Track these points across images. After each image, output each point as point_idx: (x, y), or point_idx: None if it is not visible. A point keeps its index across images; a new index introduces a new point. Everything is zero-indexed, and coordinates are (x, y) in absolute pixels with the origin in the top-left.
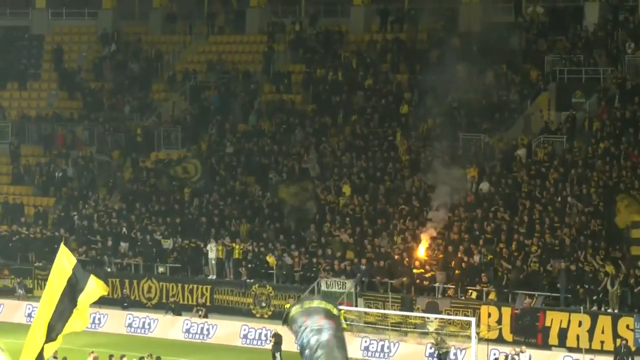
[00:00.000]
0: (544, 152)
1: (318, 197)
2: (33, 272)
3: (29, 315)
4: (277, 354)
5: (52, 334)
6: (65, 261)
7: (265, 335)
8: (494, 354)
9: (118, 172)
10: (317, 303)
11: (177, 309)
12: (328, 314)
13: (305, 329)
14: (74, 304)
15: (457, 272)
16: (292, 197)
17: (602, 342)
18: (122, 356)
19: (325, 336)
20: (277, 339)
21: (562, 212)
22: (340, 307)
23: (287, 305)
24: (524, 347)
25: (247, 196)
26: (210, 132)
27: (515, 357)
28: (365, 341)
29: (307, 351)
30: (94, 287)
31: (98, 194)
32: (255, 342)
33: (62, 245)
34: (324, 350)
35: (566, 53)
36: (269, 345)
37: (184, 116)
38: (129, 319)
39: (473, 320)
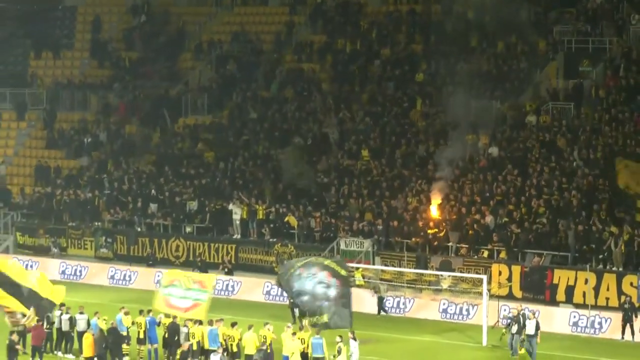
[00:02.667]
0: (553, 118)
1: (338, 160)
2: (67, 232)
3: (63, 272)
4: (296, 310)
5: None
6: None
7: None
8: (504, 310)
9: (148, 137)
10: (321, 260)
11: (204, 267)
12: (335, 274)
13: (301, 274)
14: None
15: (469, 232)
16: (312, 161)
17: (607, 299)
18: (149, 311)
19: (333, 292)
20: None
21: (570, 175)
22: (358, 265)
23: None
24: (530, 314)
25: (270, 160)
26: (235, 100)
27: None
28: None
29: (306, 297)
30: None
31: (129, 158)
32: (277, 298)
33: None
34: (331, 303)
35: (574, 24)
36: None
37: (210, 84)
38: (158, 276)
39: (484, 277)
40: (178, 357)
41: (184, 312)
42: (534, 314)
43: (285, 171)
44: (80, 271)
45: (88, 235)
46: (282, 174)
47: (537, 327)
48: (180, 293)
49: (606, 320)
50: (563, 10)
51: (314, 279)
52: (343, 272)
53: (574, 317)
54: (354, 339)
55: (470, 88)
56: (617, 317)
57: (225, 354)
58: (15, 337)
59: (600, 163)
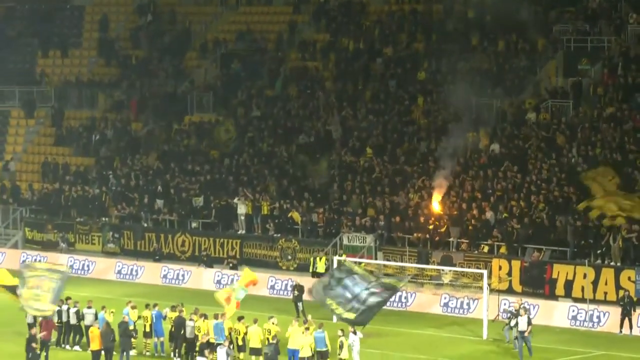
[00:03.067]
0: (552, 115)
1: (341, 157)
2: (74, 227)
3: (71, 267)
4: (299, 304)
5: None
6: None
7: (291, 286)
8: (504, 304)
9: (154, 135)
10: (383, 280)
11: (209, 262)
12: (388, 287)
13: (356, 280)
14: None
15: (470, 227)
16: (317, 158)
17: (605, 293)
18: (155, 305)
19: (373, 300)
20: (299, 290)
21: (569, 171)
22: (361, 260)
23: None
24: (522, 311)
25: (275, 157)
26: (239, 97)
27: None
28: None
29: (348, 293)
30: None
31: (135, 155)
32: (281, 292)
33: None
34: (365, 307)
35: (573, 23)
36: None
37: (215, 82)
38: (164, 270)
39: (485, 272)
40: (184, 350)
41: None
42: (525, 310)
43: (289, 168)
44: (88, 266)
45: (95, 231)
46: (286, 170)
47: (529, 323)
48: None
49: (604, 314)
50: (563, 9)
51: (365, 288)
52: (398, 285)
53: (573, 311)
54: (354, 332)
55: (471, 86)
56: (616, 311)
57: (230, 346)
58: (34, 331)
59: (598, 160)
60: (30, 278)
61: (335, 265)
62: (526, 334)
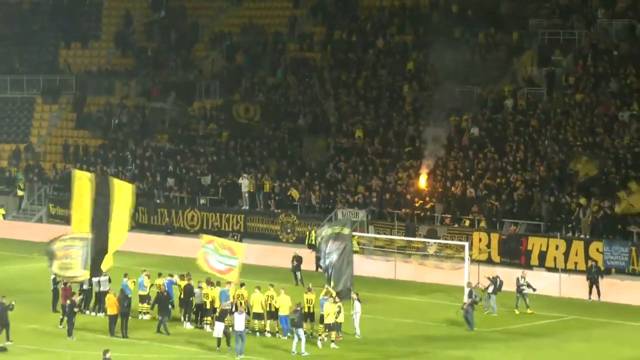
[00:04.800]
0: (528, 102)
1: (336, 140)
2: None
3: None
4: (298, 273)
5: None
6: (81, 180)
7: (290, 256)
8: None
9: (165, 118)
10: (330, 230)
11: (240, 237)
12: (337, 237)
13: (324, 253)
14: (107, 214)
15: (452, 203)
16: (314, 140)
17: (575, 263)
18: (171, 275)
19: (334, 257)
20: (297, 260)
21: (543, 153)
22: (354, 233)
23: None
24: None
25: (276, 139)
26: (244, 85)
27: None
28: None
29: (330, 269)
30: (121, 188)
31: (149, 136)
32: (281, 262)
33: (73, 171)
34: (333, 269)
35: (547, 18)
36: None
37: (221, 71)
38: (176, 243)
39: (466, 244)
40: (193, 316)
41: (220, 275)
42: (469, 284)
43: (289, 149)
44: None
45: None
46: (286, 151)
47: (470, 296)
48: (215, 257)
49: (575, 282)
50: (538, 5)
51: (337, 251)
52: (345, 231)
53: (547, 279)
54: (359, 300)
55: (455, 75)
56: (584, 279)
57: (233, 308)
58: (76, 298)
59: (569, 142)
60: (59, 250)
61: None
62: (471, 308)
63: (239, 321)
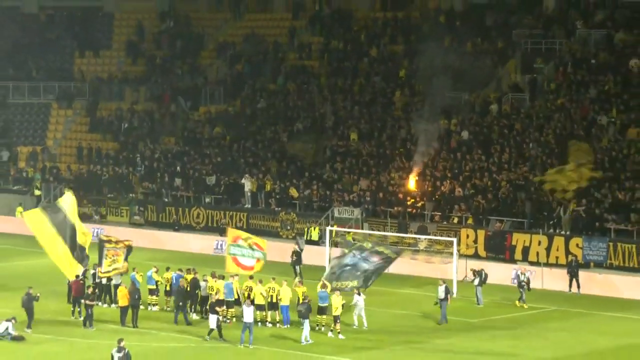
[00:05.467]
0: (512, 107)
1: (332, 142)
2: (106, 202)
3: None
4: (297, 267)
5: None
6: (34, 219)
7: (289, 252)
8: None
9: (174, 122)
10: (377, 247)
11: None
12: (384, 257)
13: (355, 254)
14: (72, 227)
15: (442, 202)
16: (311, 142)
17: (556, 257)
18: (180, 269)
19: (371, 267)
20: (297, 255)
21: (526, 154)
22: (349, 230)
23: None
24: (440, 281)
25: (276, 142)
26: (246, 91)
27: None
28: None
29: (348, 267)
30: (68, 200)
31: (157, 140)
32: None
33: (24, 215)
34: (363, 275)
35: (530, 28)
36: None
37: (225, 78)
38: (183, 239)
39: (455, 240)
40: (198, 307)
41: (249, 271)
42: (443, 281)
43: (288, 151)
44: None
45: (124, 205)
46: (286, 153)
47: (447, 292)
48: (245, 252)
49: (556, 276)
50: (521, 16)
51: (361, 258)
52: (392, 255)
53: (530, 273)
54: (359, 293)
55: (444, 81)
56: (565, 273)
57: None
58: (90, 290)
59: (551, 144)
60: (109, 250)
61: (334, 253)
62: (448, 303)
63: (248, 313)
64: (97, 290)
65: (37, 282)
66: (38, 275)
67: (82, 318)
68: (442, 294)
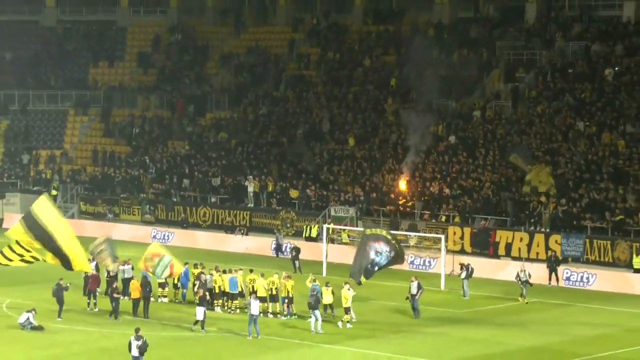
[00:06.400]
0: (495, 113)
1: (329, 146)
2: (119, 202)
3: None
4: (296, 262)
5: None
6: (17, 237)
7: (289, 248)
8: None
9: (182, 127)
10: (378, 231)
11: (246, 231)
12: (388, 241)
13: (380, 253)
14: (51, 237)
15: (430, 201)
16: (311, 146)
17: (537, 253)
18: (186, 263)
19: (384, 260)
20: (296, 251)
21: (509, 157)
22: (345, 227)
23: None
24: (413, 277)
25: (277, 146)
26: (249, 98)
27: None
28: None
29: (369, 267)
30: (39, 206)
31: (167, 143)
32: (282, 253)
33: (8, 236)
34: (377, 266)
35: (512, 40)
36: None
37: (230, 86)
38: (190, 235)
39: (443, 237)
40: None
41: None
42: (415, 277)
43: (289, 155)
44: (131, 232)
45: (135, 204)
46: (286, 156)
47: (419, 288)
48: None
49: (536, 270)
50: (504, 29)
51: (373, 249)
52: (399, 252)
53: (512, 267)
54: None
55: (432, 89)
56: (545, 267)
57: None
58: (117, 285)
59: (532, 148)
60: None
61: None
62: (417, 297)
63: (254, 306)
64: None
65: (54, 277)
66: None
67: (96, 310)
68: (414, 290)
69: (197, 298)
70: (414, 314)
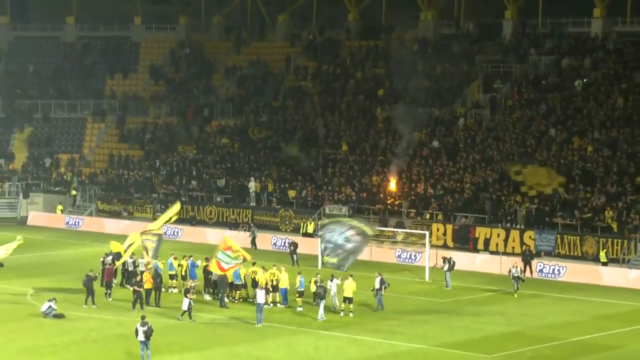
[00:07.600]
0: (475, 120)
1: (324, 150)
2: (133, 201)
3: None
4: (294, 256)
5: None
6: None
7: (288, 243)
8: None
9: (190, 134)
10: (352, 221)
11: (238, 226)
12: (360, 232)
13: (334, 229)
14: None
15: (416, 201)
16: (306, 151)
17: (513, 248)
18: (190, 256)
19: (350, 246)
20: (294, 245)
21: (487, 161)
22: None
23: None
24: (377, 273)
25: (277, 150)
26: (251, 107)
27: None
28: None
29: (331, 245)
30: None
31: (176, 148)
32: (281, 247)
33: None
34: (345, 254)
35: (490, 54)
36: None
37: (234, 96)
38: (198, 232)
39: (427, 233)
40: (211, 290)
41: (224, 272)
42: (379, 273)
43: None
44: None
45: (148, 204)
46: (285, 160)
47: (382, 282)
48: (229, 260)
49: (512, 263)
50: (483, 44)
51: (342, 234)
52: (369, 232)
53: (490, 260)
54: (331, 280)
55: (417, 99)
56: (520, 260)
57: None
58: (139, 277)
59: (509, 152)
60: (146, 241)
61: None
62: (381, 292)
63: (260, 295)
64: (127, 275)
65: (74, 268)
66: (75, 262)
67: (110, 300)
68: (377, 284)
69: (183, 289)
70: (376, 307)
